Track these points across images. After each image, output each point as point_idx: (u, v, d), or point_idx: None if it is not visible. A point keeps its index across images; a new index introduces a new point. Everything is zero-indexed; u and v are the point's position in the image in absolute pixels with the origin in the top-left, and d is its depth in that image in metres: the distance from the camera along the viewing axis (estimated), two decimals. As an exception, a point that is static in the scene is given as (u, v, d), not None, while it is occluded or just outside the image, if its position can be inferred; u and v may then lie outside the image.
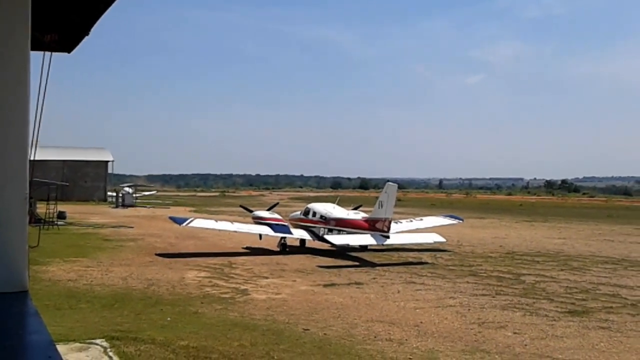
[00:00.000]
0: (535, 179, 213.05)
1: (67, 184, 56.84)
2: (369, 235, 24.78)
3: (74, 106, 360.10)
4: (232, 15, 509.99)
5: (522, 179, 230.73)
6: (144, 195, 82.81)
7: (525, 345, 11.33)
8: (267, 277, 19.27)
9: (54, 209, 36.52)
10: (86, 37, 6.78)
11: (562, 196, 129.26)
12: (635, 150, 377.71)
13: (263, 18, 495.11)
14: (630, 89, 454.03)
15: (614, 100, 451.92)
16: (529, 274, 20.74)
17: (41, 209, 36.61)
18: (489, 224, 48.11)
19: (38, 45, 6.26)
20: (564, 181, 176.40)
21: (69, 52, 7.34)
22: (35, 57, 6.32)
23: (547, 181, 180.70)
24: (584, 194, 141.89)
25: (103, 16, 6.00)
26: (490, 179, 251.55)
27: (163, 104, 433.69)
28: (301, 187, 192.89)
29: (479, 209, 71.24)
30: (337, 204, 28.23)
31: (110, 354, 8.74)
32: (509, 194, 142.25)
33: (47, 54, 6.61)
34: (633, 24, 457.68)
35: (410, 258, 25.08)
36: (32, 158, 5.66)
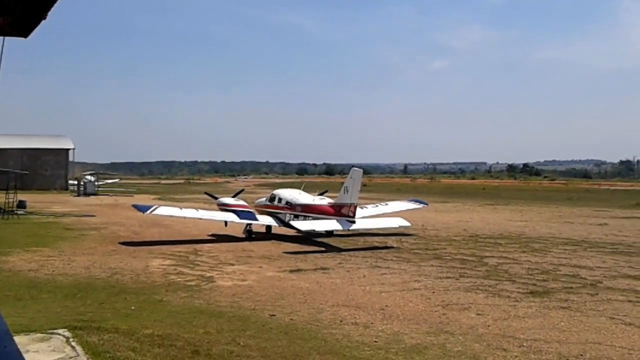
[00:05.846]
0: (497, 163, 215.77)
1: (27, 172, 55.57)
2: (334, 221, 24.86)
3: (33, 93, 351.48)
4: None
5: (485, 163, 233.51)
6: (107, 184, 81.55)
7: (488, 326, 11.55)
8: (232, 264, 19.23)
9: (13, 198, 35.77)
10: (43, 21, 6.57)
11: (523, 180, 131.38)
12: (594, 134, 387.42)
13: (229, 1, 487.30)
14: (589, 73, 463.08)
15: (574, 85, 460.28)
16: (492, 257, 21.12)
17: (0, 198, 35.80)
18: (453, 207, 48.77)
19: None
20: (525, 165, 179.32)
21: (25, 36, 7.11)
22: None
23: (509, 165, 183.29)
24: (545, 177, 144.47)
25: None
26: (454, 163, 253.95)
27: (125, 90, 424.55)
28: (267, 174, 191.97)
29: (443, 193, 72.06)
30: (303, 190, 28.27)
31: (73, 344, 8.61)
32: (473, 178, 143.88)
33: (0, 38, 6.40)
34: (595, 10, 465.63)
35: (376, 242, 25.29)
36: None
